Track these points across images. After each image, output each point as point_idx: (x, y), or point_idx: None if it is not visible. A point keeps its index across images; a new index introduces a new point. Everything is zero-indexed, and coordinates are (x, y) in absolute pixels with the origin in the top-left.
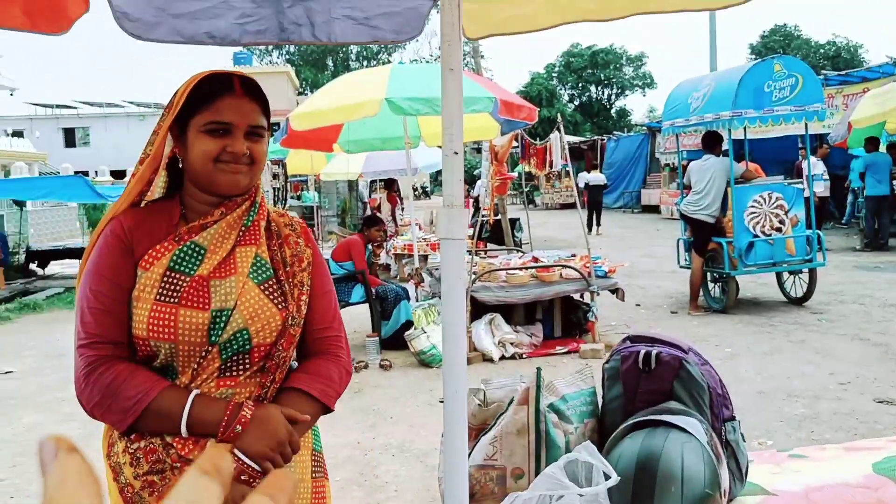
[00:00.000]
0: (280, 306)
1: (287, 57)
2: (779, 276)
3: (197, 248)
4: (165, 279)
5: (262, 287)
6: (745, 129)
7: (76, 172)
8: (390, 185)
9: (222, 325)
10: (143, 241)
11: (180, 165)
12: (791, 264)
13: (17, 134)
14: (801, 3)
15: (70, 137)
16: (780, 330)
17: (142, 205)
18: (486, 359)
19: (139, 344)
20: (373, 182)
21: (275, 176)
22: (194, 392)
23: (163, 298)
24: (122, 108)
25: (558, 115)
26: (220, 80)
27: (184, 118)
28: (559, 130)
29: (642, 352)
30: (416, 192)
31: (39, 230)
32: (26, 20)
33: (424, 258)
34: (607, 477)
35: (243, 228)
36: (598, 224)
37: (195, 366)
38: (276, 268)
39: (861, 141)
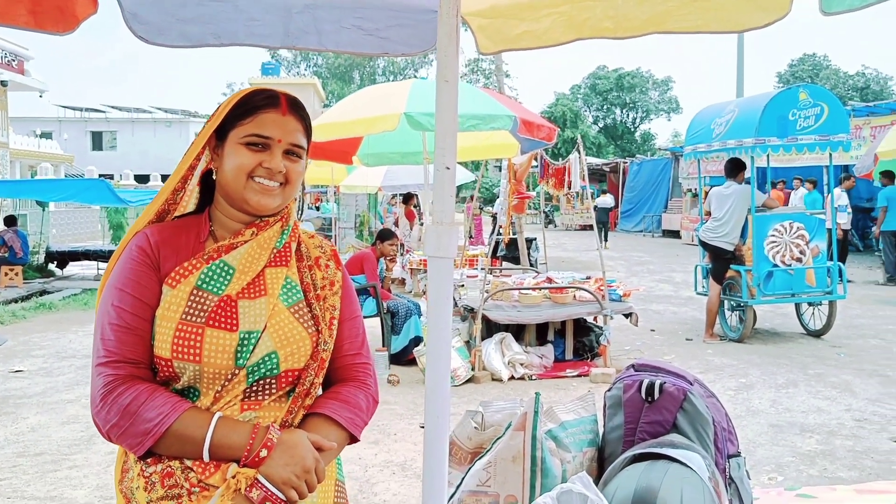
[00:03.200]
0: (310, 330)
1: (314, 69)
2: (798, 307)
3: (226, 268)
4: (192, 298)
5: (292, 310)
6: (768, 156)
7: (101, 175)
8: (408, 199)
9: (251, 347)
10: (170, 258)
11: (213, 177)
12: (811, 295)
13: (46, 135)
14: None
15: (97, 140)
16: (796, 362)
17: (169, 219)
18: (495, 378)
19: (161, 365)
20: (393, 196)
21: None
22: (218, 415)
23: (189, 318)
24: (150, 115)
25: (579, 136)
26: (266, 94)
27: (225, 129)
28: (579, 151)
29: (646, 381)
30: None
31: (61, 231)
32: (31, 19)
33: None
34: None
35: (274, 250)
36: (606, 240)
37: (219, 388)
38: (305, 291)
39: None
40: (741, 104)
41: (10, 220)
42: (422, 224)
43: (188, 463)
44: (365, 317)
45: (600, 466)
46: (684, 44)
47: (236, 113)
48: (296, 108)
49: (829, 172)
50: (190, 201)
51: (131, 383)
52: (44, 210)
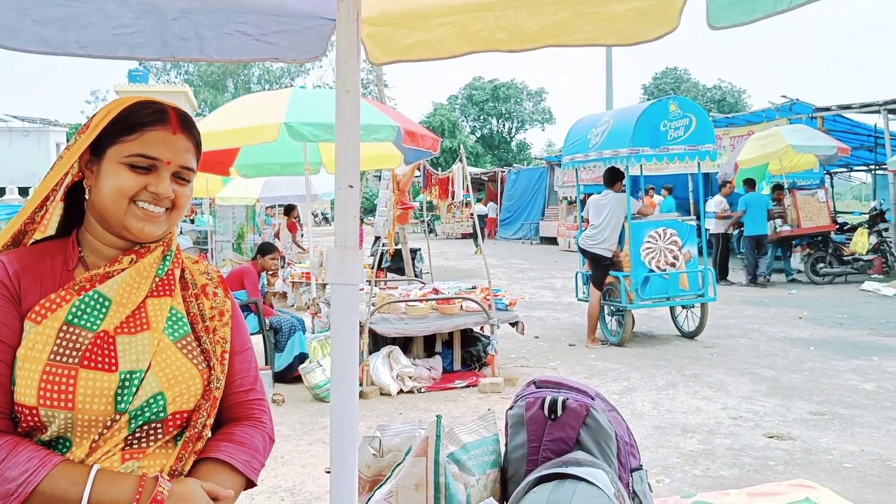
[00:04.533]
0: (201, 367)
1: (185, 77)
2: (672, 309)
3: (101, 299)
4: (62, 335)
5: (179, 345)
6: (641, 165)
7: None
8: (290, 210)
9: (133, 389)
10: (32, 290)
11: (86, 196)
12: (684, 298)
13: None
14: (690, 48)
15: None
16: (674, 364)
17: (27, 242)
18: (384, 393)
19: (24, 414)
20: (269, 207)
21: None
22: (96, 468)
23: (59, 358)
24: (5, 123)
25: (460, 146)
26: (153, 108)
27: (101, 144)
28: (462, 161)
29: (548, 398)
30: (317, 219)
31: None
32: None
33: (323, 287)
34: None
35: (156, 279)
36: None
37: (95, 437)
38: (193, 322)
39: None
40: (615, 115)
41: None
42: (302, 235)
43: None
44: None
45: (504, 487)
46: (556, 56)
47: (117, 128)
48: (187, 126)
49: (698, 180)
50: (51, 223)
51: None
52: None
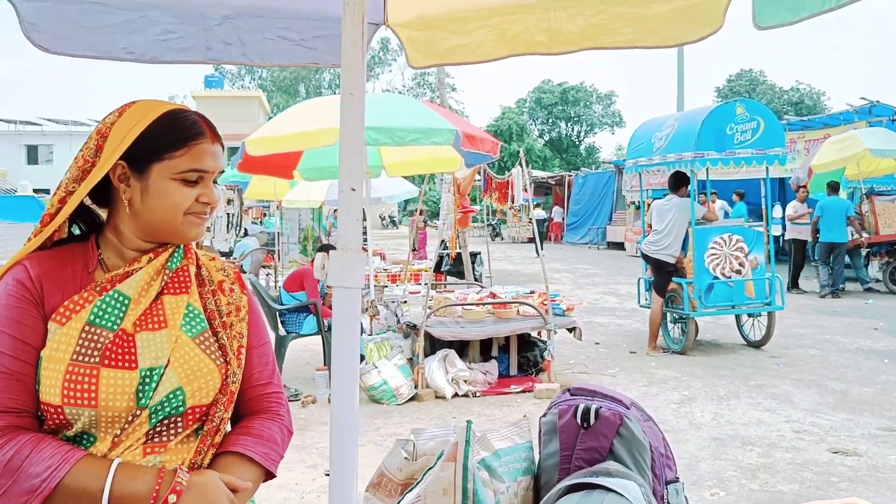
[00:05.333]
0: (218, 362)
1: (259, 82)
2: (738, 318)
3: (121, 298)
4: (84, 335)
5: (197, 341)
6: (707, 170)
7: (36, 190)
8: None
9: (153, 385)
10: (55, 292)
11: (111, 203)
12: (750, 307)
13: None
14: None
15: (33, 154)
16: (738, 374)
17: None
18: (439, 396)
19: (49, 412)
20: (336, 210)
21: (229, 201)
22: (116, 461)
23: (81, 358)
24: (89, 127)
25: (521, 150)
26: (191, 119)
27: (143, 159)
28: (521, 165)
29: (581, 406)
30: (384, 222)
31: None
32: None
33: (381, 290)
34: None
35: (167, 272)
36: (542, 248)
37: (118, 432)
38: (210, 318)
39: (823, 186)
40: (680, 118)
41: None
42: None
43: None
44: (306, 335)
45: (536, 495)
46: (626, 58)
47: (161, 142)
48: (215, 130)
49: (767, 185)
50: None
51: (12, 435)
52: None
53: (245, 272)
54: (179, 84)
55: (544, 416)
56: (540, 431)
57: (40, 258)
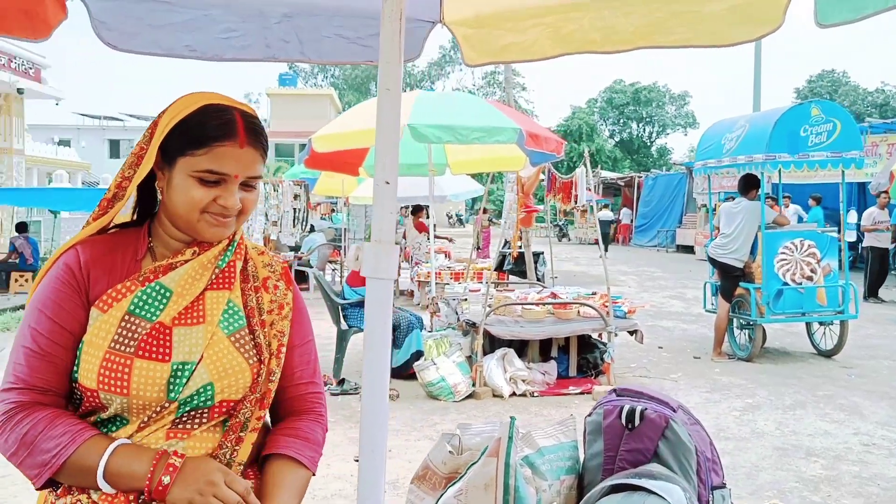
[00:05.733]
0: (251, 361)
1: (331, 80)
2: (808, 326)
3: (162, 290)
4: (123, 324)
5: (232, 338)
6: (779, 172)
7: None
8: (417, 211)
9: (184, 379)
10: (101, 279)
11: (157, 185)
12: (821, 315)
13: (64, 143)
14: (850, 50)
15: (115, 149)
16: (805, 383)
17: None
18: (496, 395)
19: (87, 395)
20: (403, 208)
21: (295, 196)
22: (117, 442)
23: (118, 347)
24: None
25: (585, 149)
26: (221, 119)
27: (171, 151)
28: (586, 165)
29: (626, 407)
30: (451, 220)
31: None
32: (1, 24)
33: (443, 287)
34: None
35: (217, 270)
36: (606, 250)
37: (145, 418)
38: (249, 316)
39: None
40: (752, 119)
41: (22, 227)
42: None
43: (94, 496)
44: None
45: (580, 495)
46: (701, 59)
47: (187, 138)
48: (254, 135)
49: (842, 190)
50: (128, 209)
51: (31, 410)
52: (55, 217)
53: (311, 267)
54: (256, 82)
55: (589, 415)
56: (585, 431)
57: (93, 243)
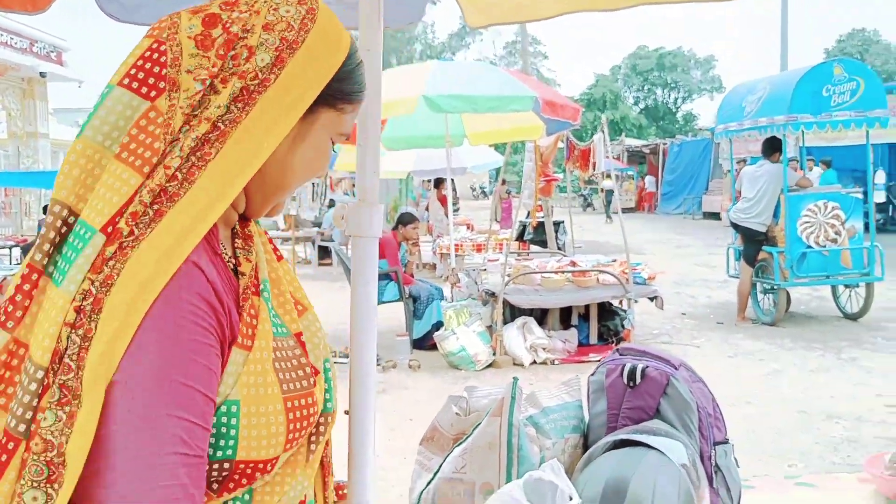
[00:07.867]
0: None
1: None
2: (834, 289)
3: (268, 288)
4: (277, 355)
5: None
6: (802, 134)
7: None
8: (438, 184)
9: (331, 380)
10: (225, 299)
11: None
12: (846, 277)
13: None
14: (882, 6)
15: None
16: (830, 347)
17: None
18: (517, 363)
19: (251, 471)
20: (425, 181)
21: None
22: None
23: (291, 386)
24: None
25: (603, 116)
26: (363, 67)
27: (323, 97)
28: (603, 131)
29: (628, 365)
30: (475, 192)
31: None
32: None
33: (462, 259)
34: (571, 498)
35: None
36: (609, 217)
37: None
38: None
39: None
40: (773, 81)
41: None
42: (458, 210)
43: None
44: (387, 301)
45: (584, 453)
46: (727, 20)
47: (343, 87)
48: None
49: (867, 150)
50: None
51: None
52: None
53: (333, 241)
54: None
55: (592, 374)
56: (588, 390)
57: (198, 251)
